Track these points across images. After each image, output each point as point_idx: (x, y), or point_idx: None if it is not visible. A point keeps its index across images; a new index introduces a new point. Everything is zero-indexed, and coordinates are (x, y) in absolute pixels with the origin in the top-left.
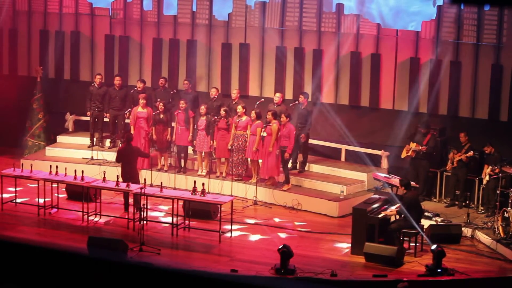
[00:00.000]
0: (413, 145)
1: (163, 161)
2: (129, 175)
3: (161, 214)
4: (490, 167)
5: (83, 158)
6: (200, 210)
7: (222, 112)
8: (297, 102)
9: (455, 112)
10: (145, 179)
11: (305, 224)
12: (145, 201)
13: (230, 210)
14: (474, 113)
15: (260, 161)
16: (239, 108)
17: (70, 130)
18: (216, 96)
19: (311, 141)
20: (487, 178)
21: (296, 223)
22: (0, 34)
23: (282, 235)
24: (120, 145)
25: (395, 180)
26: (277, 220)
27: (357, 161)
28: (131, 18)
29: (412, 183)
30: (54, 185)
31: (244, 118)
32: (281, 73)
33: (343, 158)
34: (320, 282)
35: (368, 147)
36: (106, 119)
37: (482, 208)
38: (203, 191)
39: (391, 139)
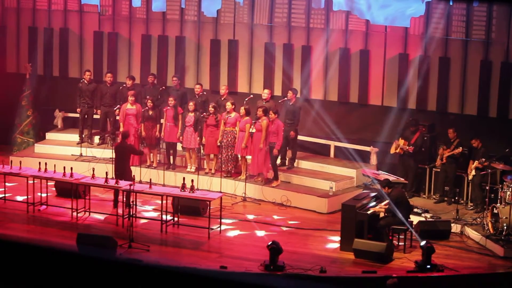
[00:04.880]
0: (401, 142)
1: (152, 157)
2: (120, 172)
3: (150, 211)
4: (477, 160)
5: (72, 155)
6: (189, 207)
7: (211, 108)
8: (285, 98)
9: (444, 108)
10: (134, 175)
11: (294, 221)
12: (134, 198)
13: (219, 206)
14: (463, 109)
15: (249, 157)
16: (228, 105)
17: (59, 127)
18: (200, 92)
19: (300, 137)
20: (473, 173)
21: (285, 220)
22: None
23: (271, 232)
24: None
25: (384, 177)
26: (266, 216)
27: (346, 157)
28: (119, 15)
29: (401, 179)
30: (44, 182)
31: (233, 114)
32: (270, 70)
33: (332, 154)
34: (310, 279)
35: (357, 143)
36: (95, 116)
37: (471, 204)
38: (192, 188)
39: (380, 135)
